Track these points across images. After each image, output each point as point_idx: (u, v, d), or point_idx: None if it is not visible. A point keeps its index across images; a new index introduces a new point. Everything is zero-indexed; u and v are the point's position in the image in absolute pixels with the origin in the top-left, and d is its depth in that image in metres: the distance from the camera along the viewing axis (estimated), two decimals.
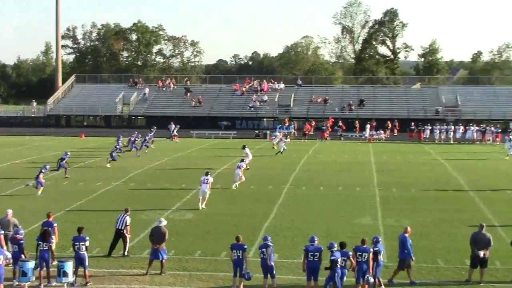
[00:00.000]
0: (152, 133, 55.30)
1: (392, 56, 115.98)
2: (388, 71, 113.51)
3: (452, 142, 62.04)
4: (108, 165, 42.73)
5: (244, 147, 43.15)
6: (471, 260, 19.63)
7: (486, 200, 31.81)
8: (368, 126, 66.47)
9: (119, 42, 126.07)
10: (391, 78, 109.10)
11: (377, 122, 68.79)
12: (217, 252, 22.21)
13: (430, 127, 65.13)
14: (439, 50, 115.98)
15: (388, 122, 69.09)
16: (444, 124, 66.96)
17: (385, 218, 27.85)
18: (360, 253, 18.24)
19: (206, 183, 29.60)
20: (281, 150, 49.79)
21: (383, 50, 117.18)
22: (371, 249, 18.41)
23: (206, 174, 30.38)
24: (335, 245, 18.20)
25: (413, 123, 66.66)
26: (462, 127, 64.92)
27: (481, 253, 19.21)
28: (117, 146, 45.96)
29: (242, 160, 36.80)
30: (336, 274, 17.74)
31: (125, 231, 21.70)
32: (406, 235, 19.55)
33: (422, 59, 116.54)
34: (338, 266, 17.82)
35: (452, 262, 21.19)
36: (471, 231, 20.91)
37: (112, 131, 71.78)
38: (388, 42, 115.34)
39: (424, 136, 63.56)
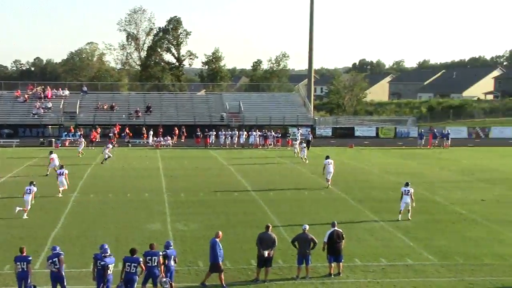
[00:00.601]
0: None
1: (177, 63, 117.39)
2: (174, 78, 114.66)
3: (236, 147, 64.11)
4: None
5: (51, 153, 42.72)
6: (257, 260, 20.54)
7: (269, 201, 33.37)
8: (151, 132, 66.76)
9: None
10: (177, 85, 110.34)
11: (164, 128, 69.27)
12: (0, 265, 21.23)
13: (215, 133, 66.73)
14: (222, 58, 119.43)
15: (175, 128, 69.87)
16: (229, 129, 69.00)
17: (174, 222, 28.25)
18: (150, 258, 18.39)
19: (29, 193, 29.08)
20: (106, 157, 49.06)
21: (168, 57, 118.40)
22: (160, 253, 18.64)
23: (30, 184, 29.67)
24: (108, 251, 18.14)
25: (198, 129, 67.93)
26: (245, 132, 67.32)
27: (266, 253, 20.15)
28: None
29: (62, 166, 35.75)
30: (106, 280, 17.70)
31: None
32: (217, 239, 19.95)
33: (206, 66, 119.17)
34: (110, 272, 17.79)
35: (239, 263, 22.00)
36: (257, 231, 21.89)
37: None
38: (173, 50, 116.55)
39: (210, 141, 65.04)
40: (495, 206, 32.86)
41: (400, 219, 29.13)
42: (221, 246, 19.87)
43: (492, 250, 24.10)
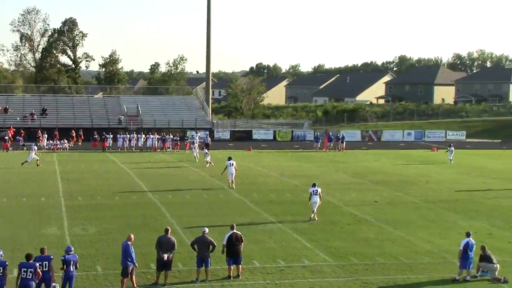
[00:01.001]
0: None
1: (73, 66, 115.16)
2: (70, 80, 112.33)
3: (134, 150, 63.43)
4: None
5: None
6: (157, 264, 20.56)
7: (168, 204, 33.39)
8: (45, 135, 64.99)
9: None
10: (73, 87, 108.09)
11: (60, 131, 67.70)
12: None
13: (112, 136, 65.52)
14: (119, 61, 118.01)
15: (72, 131, 68.52)
16: (127, 132, 68.09)
17: (71, 227, 27.84)
18: (41, 263, 18.10)
19: None
20: (29, 160, 48.90)
21: (64, 59, 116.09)
22: (52, 257, 18.40)
23: None
24: None
25: (95, 132, 66.73)
26: (143, 136, 66.58)
27: (165, 256, 20.20)
28: None
29: None
30: None
31: None
32: (129, 243, 19.77)
33: (103, 69, 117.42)
34: None
35: (138, 267, 21.84)
36: (157, 235, 21.93)
37: None
38: (69, 51, 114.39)
39: (108, 145, 64.04)
40: (387, 207, 34.15)
41: (312, 218, 30.05)
42: (133, 249, 19.83)
43: (384, 250, 25.08)
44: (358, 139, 79.93)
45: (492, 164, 55.85)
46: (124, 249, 19.73)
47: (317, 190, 30.58)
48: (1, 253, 18.11)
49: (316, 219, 30.16)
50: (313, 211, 30.39)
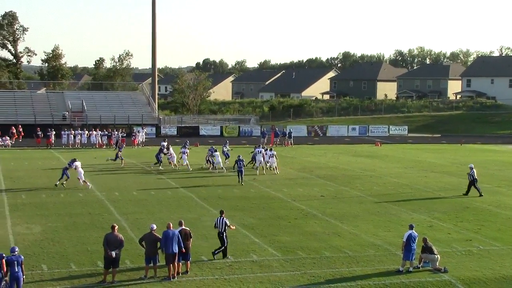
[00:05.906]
0: None
1: (14, 60, 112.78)
2: (12, 75, 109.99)
3: (78, 147, 62.35)
4: None
5: None
6: (104, 261, 20.40)
7: (115, 202, 33.13)
8: None
9: None
10: (14, 82, 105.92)
11: (2, 128, 66.20)
12: None
13: (54, 132, 63.81)
14: (63, 56, 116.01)
15: (13, 127, 67.07)
16: (71, 129, 66.97)
17: (15, 225, 27.38)
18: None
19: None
20: None
21: (4, 53, 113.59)
22: (4, 255, 18.18)
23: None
24: None
25: (38, 129, 65.50)
26: (86, 132, 65.43)
27: (113, 254, 20.07)
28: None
29: None
30: None
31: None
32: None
33: (46, 64, 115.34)
34: None
35: (86, 265, 21.75)
36: (104, 233, 21.76)
37: None
38: (9, 46, 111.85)
39: (52, 141, 62.77)
40: (333, 202, 34.54)
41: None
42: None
43: (331, 243, 25.41)
44: (304, 134, 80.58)
45: (432, 158, 56.94)
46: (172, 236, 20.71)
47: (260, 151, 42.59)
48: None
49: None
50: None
